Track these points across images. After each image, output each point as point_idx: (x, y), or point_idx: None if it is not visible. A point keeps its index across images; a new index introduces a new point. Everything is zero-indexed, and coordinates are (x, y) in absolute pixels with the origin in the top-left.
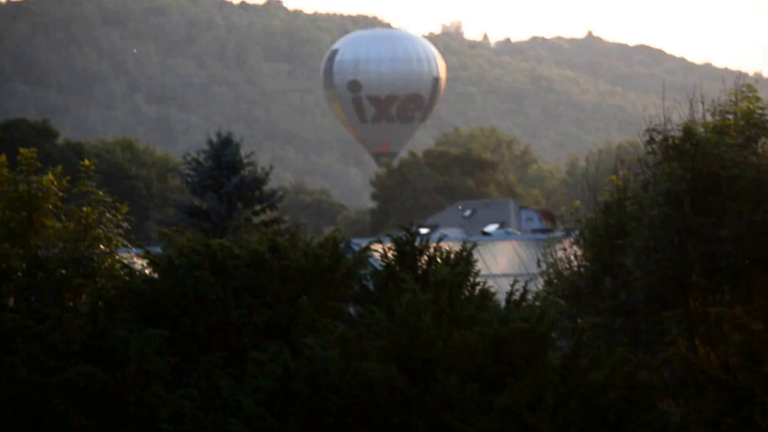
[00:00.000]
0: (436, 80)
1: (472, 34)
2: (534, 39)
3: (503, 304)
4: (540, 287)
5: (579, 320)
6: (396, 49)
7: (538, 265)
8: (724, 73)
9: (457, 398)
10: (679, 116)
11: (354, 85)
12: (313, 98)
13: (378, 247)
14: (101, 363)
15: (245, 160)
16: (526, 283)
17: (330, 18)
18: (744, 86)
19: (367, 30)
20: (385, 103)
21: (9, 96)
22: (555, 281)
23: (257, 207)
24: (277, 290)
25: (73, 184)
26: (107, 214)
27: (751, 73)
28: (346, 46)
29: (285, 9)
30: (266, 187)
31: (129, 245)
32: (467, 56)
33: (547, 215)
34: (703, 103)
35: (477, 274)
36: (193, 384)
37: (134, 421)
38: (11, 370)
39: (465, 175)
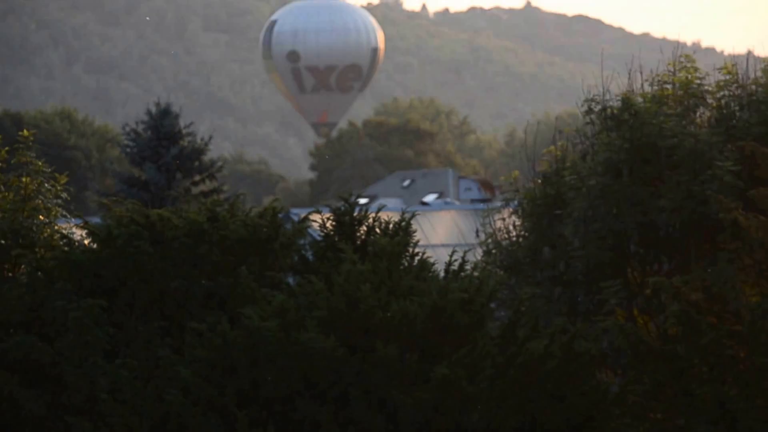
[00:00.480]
0: (375, 51)
1: (410, 4)
2: (473, 9)
3: (442, 274)
4: (479, 257)
5: (517, 290)
6: (334, 20)
7: (477, 236)
8: (663, 43)
9: (396, 369)
10: (617, 86)
11: (293, 56)
12: (252, 69)
13: (317, 217)
14: (40, 333)
15: (184, 131)
16: (465, 253)
17: None
18: (682, 56)
19: (307, 0)
20: (324, 74)
21: None
22: (494, 251)
23: (196, 177)
24: (216, 261)
25: (11, 154)
26: (46, 185)
27: (689, 43)
28: (285, 17)
29: None
30: (205, 158)
31: (68, 215)
32: (406, 27)
33: (486, 185)
34: (641, 73)
35: (416, 244)
36: (132, 355)
37: (73, 392)
38: None
39: (404, 145)
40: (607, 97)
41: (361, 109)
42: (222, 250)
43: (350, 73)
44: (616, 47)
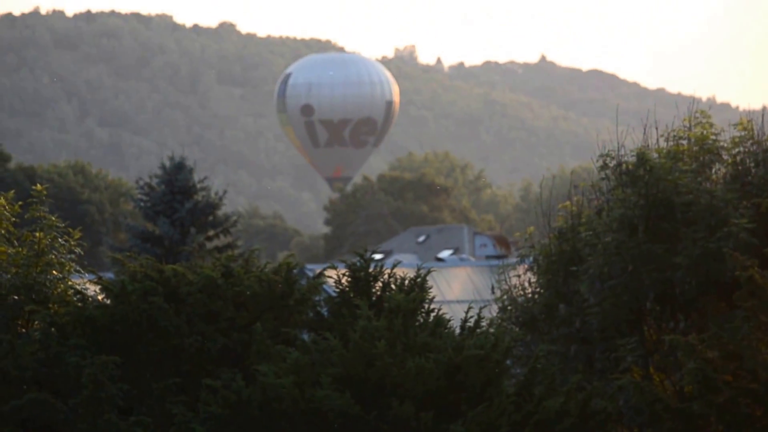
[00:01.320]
0: (389, 104)
1: (425, 58)
2: (487, 63)
3: (458, 330)
4: (494, 314)
5: (533, 347)
6: (349, 73)
7: (493, 292)
8: (678, 99)
9: (412, 426)
10: (632, 142)
11: (307, 109)
12: (266, 122)
13: (332, 273)
14: (54, 390)
15: (198, 185)
16: (481, 309)
17: (283, 42)
18: (697, 112)
19: (321, 54)
20: (338, 127)
21: None
22: (509, 308)
23: (211, 232)
24: (230, 316)
25: (25, 209)
26: (60, 240)
27: (704, 98)
28: (299, 70)
29: (238, 32)
30: (220, 212)
31: (82, 271)
32: (421, 80)
33: (501, 241)
34: (656, 128)
35: (431, 300)
36: (146, 411)
37: None
38: None
39: (419, 200)
40: (622, 152)
41: (376, 164)
42: (236, 306)
43: (364, 126)
44: (631, 102)
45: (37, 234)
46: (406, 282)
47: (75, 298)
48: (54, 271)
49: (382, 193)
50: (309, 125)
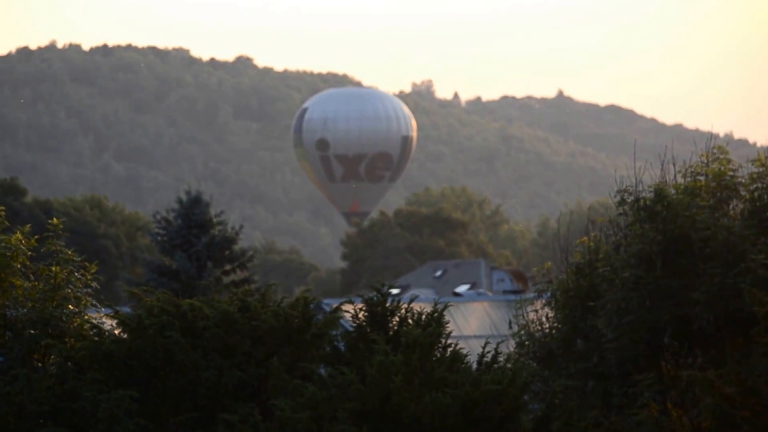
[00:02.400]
0: (406, 139)
1: (442, 93)
2: (504, 98)
3: (475, 365)
4: (512, 349)
5: (551, 383)
6: (364, 108)
7: (510, 327)
8: (695, 135)
9: None
10: (650, 177)
11: (322, 144)
12: (283, 156)
13: (349, 307)
14: (70, 424)
15: (215, 219)
16: (498, 344)
17: (300, 76)
18: (715, 148)
19: (339, 88)
20: (353, 162)
21: None
22: (527, 343)
23: (227, 267)
24: (247, 351)
25: (41, 242)
26: (76, 274)
27: (721, 134)
28: (315, 105)
29: (255, 66)
30: (236, 247)
31: (98, 305)
32: (438, 115)
33: (519, 276)
34: (674, 164)
35: (448, 335)
36: None
37: None
38: None
39: (436, 235)
40: (640, 188)
41: (393, 199)
42: (253, 340)
43: (380, 161)
44: (648, 138)
45: (54, 268)
46: (423, 317)
47: (91, 333)
48: (70, 306)
49: (399, 228)
50: (324, 160)
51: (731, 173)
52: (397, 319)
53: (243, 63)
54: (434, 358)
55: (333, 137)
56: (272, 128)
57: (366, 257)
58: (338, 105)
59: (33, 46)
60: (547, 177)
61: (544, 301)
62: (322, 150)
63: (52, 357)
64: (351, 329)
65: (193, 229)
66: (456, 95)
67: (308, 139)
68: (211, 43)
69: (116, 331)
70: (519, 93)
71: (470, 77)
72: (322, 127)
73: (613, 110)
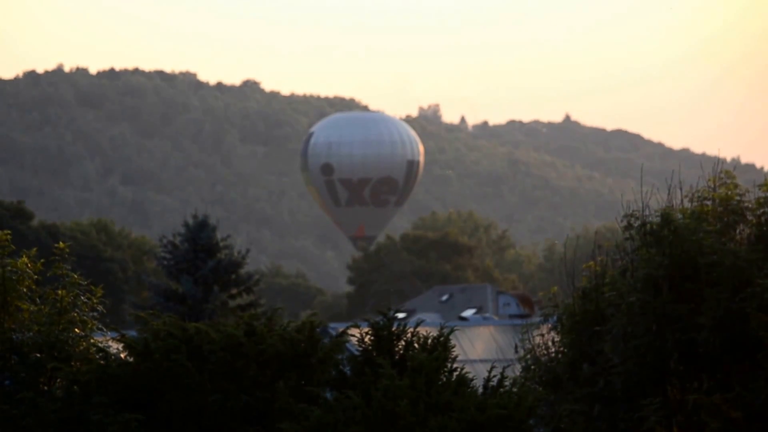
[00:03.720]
0: (411, 163)
1: (449, 116)
2: (511, 123)
3: (481, 389)
4: (518, 373)
5: (557, 407)
6: (369, 132)
7: (516, 351)
8: (702, 159)
9: None
10: (656, 202)
11: (327, 168)
12: (289, 180)
13: (355, 331)
14: None
15: (221, 243)
16: (504, 368)
17: (307, 100)
18: (722, 172)
19: (345, 113)
20: (357, 187)
21: None
22: (533, 367)
23: (234, 290)
24: (253, 375)
25: (47, 266)
26: (82, 297)
27: (728, 159)
28: (321, 129)
29: (262, 90)
30: (242, 271)
31: (104, 328)
32: (444, 139)
33: (525, 300)
34: (681, 188)
35: (454, 359)
36: None
37: None
38: None
39: (442, 260)
40: (647, 212)
41: (399, 223)
42: (259, 364)
43: (384, 186)
44: (655, 162)
45: (60, 292)
46: (429, 341)
47: (98, 356)
48: (76, 329)
49: (405, 252)
50: (329, 184)
51: (738, 198)
52: (403, 343)
53: (250, 87)
54: (440, 382)
55: (337, 162)
56: (279, 152)
57: (372, 281)
58: (343, 130)
59: (40, 70)
60: (553, 201)
61: (550, 325)
62: (327, 174)
63: (58, 380)
64: (357, 353)
65: (200, 253)
66: (463, 119)
67: (313, 164)
68: (217, 67)
69: (122, 355)
70: (526, 117)
71: (477, 101)
72: (326, 152)
73: (620, 135)
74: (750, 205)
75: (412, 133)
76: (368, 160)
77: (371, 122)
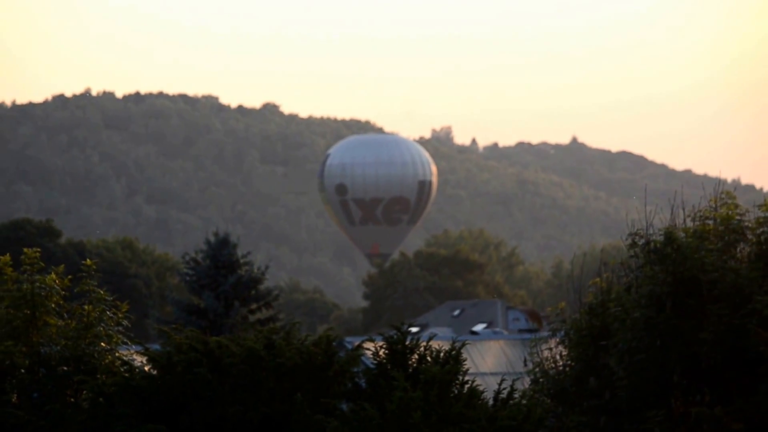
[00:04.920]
0: (423, 183)
1: (461, 138)
2: (520, 144)
3: (491, 401)
4: (527, 386)
5: (564, 419)
6: (381, 154)
7: (525, 364)
8: (704, 180)
9: None
10: (660, 221)
11: (341, 189)
12: (307, 200)
13: (370, 345)
14: None
15: (242, 260)
16: (513, 381)
17: (324, 122)
18: (723, 193)
19: (360, 135)
20: (369, 206)
21: (14, 197)
22: (541, 380)
23: (253, 305)
24: (272, 387)
25: (75, 282)
26: (108, 313)
27: (729, 179)
28: (337, 151)
29: (281, 113)
30: (262, 287)
31: (129, 342)
32: (456, 160)
33: (533, 316)
34: (683, 208)
35: (465, 372)
36: None
37: None
38: None
39: (454, 276)
40: (651, 231)
41: (413, 241)
42: (278, 376)
43: (396, 205)
44: (658, 183)
45: (86, 307)
46: (442, 354)
47: (122, 369)
48: (102, 343)
49: (418, 269)
50: (344, 204)
51: (738, 218)
52: (417, 356)
53: (269, 110)
54: (452, 395)
55: (351, 182)
56: (297, 172)
57: (386, 297)
58: (356, 151)
59: (68, 94)
60: (561, 220)
61: (557, 339)
62: (341, 194)
63: (85, 392)
64: (372, 366)
65: (221, 270)
66: (474, 141)
67: (329, 184)
68: (238, 90)
69: (146, 368)
70: (534, 139)
71: (488, 124)
72: (340, 173)
73: (625, 156)
74: (750, 225)
75: (425, 154)
76: (380, 181)
77: (384, 144)
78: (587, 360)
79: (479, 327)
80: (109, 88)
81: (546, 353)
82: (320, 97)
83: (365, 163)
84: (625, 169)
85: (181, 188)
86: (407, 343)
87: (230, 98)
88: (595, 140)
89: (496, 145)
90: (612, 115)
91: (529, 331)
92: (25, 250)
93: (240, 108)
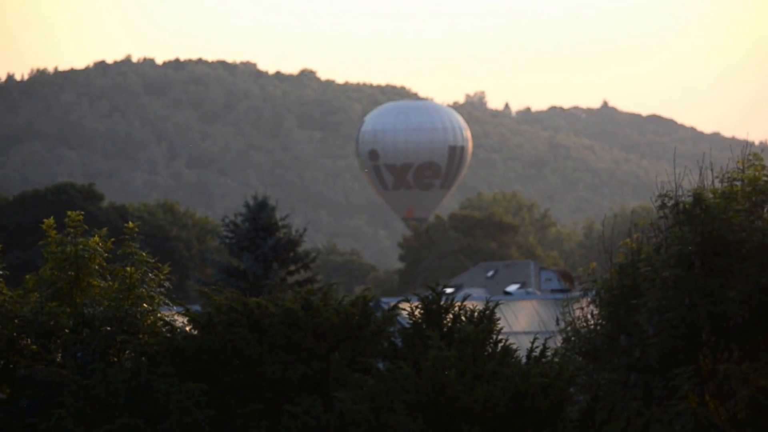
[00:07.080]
0: (453, 149)
1: (494, 103)
2: (552, 109)
3: (524, 360)
4: (559, 344)
5: (595, 376)
6: (410, 120)
7: (557, 324)
8: (732, 142)
9: None
10: (689, 183)
11: (373, 154)
12: (344, 164)
13: (405, 305)
14: (143, 415)
15: (280, 223)
16: (546, 340)
17: (360, 88)
18: (750, 155)
19: (395, 101)
20: (401, 171)
21: (57, 161)
22: (573, 339)
23: (292, 267)
24: (310, 346)
25: (117, 245)
26: (150, 274)
27: (757, 142)
28: (371, 118)
29: (318, 79)
30: (300, 249)
31: (170, 303)
32: (490, 125)
33: (565, 276)
34: (712, 170)
35: (499, 331)
36: None
37: None
38: (59, 423)
39: (488, 238)
40: (680, 192)
41: (448, 203)
42: (316, 336)
43: (427, 170)
44: (687, 146)
45: (129, 269)
46: (476, 314)
47: (164, 329)
48: (144, 304)
49: (453, 231)
50: (376, 169)
51: (766, 178)
52: (451, 316)
53: (306, 76)
54: (486, 353)
55: (382, 148)
56: (334, 137)
57: (422, 258)
58: (387, 118)
59: (109, 60)
60: (592, 183)
61: (589, 299)
62: (374, 160)
63: (127, 352)
64: (407, 326)
65: (260, 232)
66: (507, 106)
67: (363, 150)
68: (276, 57)
69: (187, 328)
70: (566, 104)
71: (520, 89)
72: (372, 139)
73: (655, 119)
74: None
75: (460, 120)
76: (410, 146)
77: (416, 110)
78: (618, 319)
79: (512, 287)
80: (149, 55)
81: (577, 312)
82: (356, 63)
83: (395, 129)
84: (655, 132)
85: (221, 153)
86: (442, 303)
87: (268, 65)
88: (625, 104)
89: (528, 109)
90: (642, 80)
91: (561, 291)
92: (69, 213)
93: (278, 74)
